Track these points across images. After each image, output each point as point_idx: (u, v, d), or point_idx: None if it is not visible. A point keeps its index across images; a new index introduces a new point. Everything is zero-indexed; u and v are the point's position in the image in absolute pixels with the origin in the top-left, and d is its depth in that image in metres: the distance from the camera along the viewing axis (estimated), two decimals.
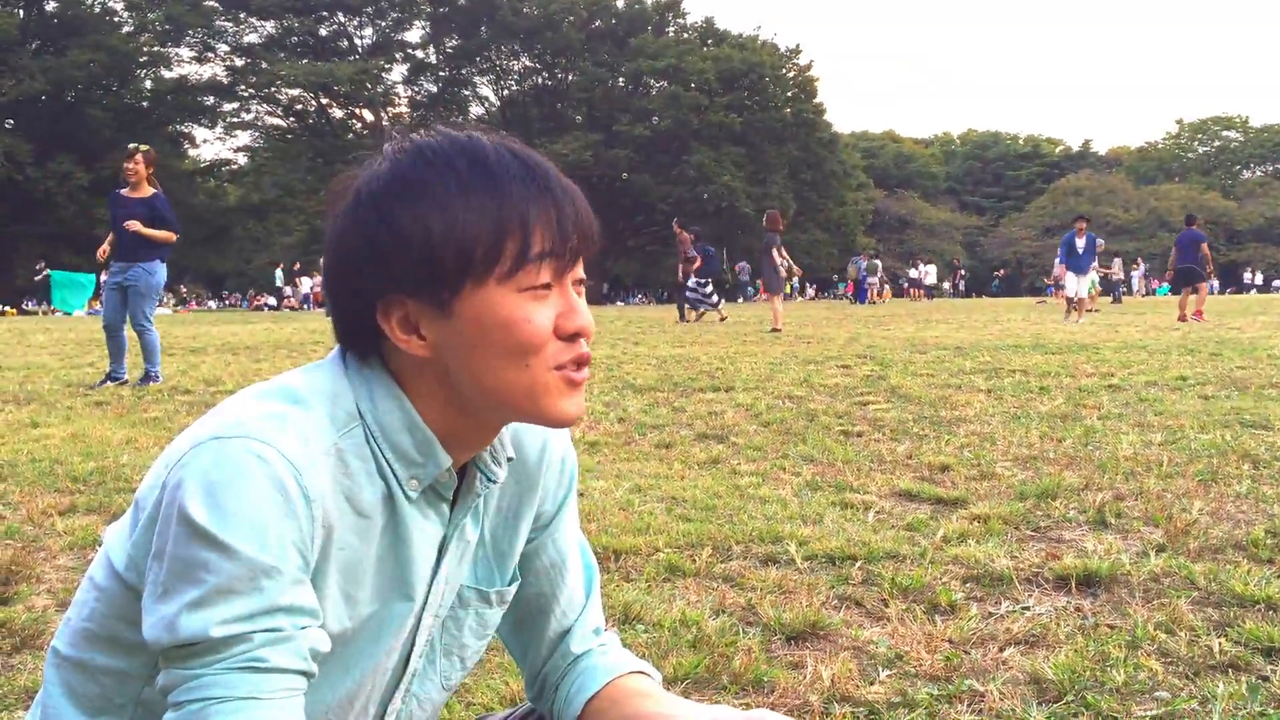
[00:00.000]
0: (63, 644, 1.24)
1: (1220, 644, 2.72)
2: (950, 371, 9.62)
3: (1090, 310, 25.29)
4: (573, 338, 1.14)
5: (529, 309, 1.11)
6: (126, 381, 9.66)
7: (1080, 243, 21.07)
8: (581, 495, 4.53)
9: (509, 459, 1.30)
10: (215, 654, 1.02)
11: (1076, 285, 20.92)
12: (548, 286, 1.13)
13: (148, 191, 9.68)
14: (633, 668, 1.39)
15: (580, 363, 1.16)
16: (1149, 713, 2.35)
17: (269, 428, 1.08)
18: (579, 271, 1.17)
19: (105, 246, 9.81)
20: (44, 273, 40.07)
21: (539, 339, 1.12)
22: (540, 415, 1.16)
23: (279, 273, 51.35)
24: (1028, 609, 3.09)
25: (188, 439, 1.10)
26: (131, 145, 9.88)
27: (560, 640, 1.42)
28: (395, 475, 1.17)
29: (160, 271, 9.79)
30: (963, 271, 64.76)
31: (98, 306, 40.26)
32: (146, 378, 9.67)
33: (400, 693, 1.29)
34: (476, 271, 1.10)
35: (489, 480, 1.27)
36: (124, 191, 9.71)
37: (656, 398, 8.13)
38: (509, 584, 1.36)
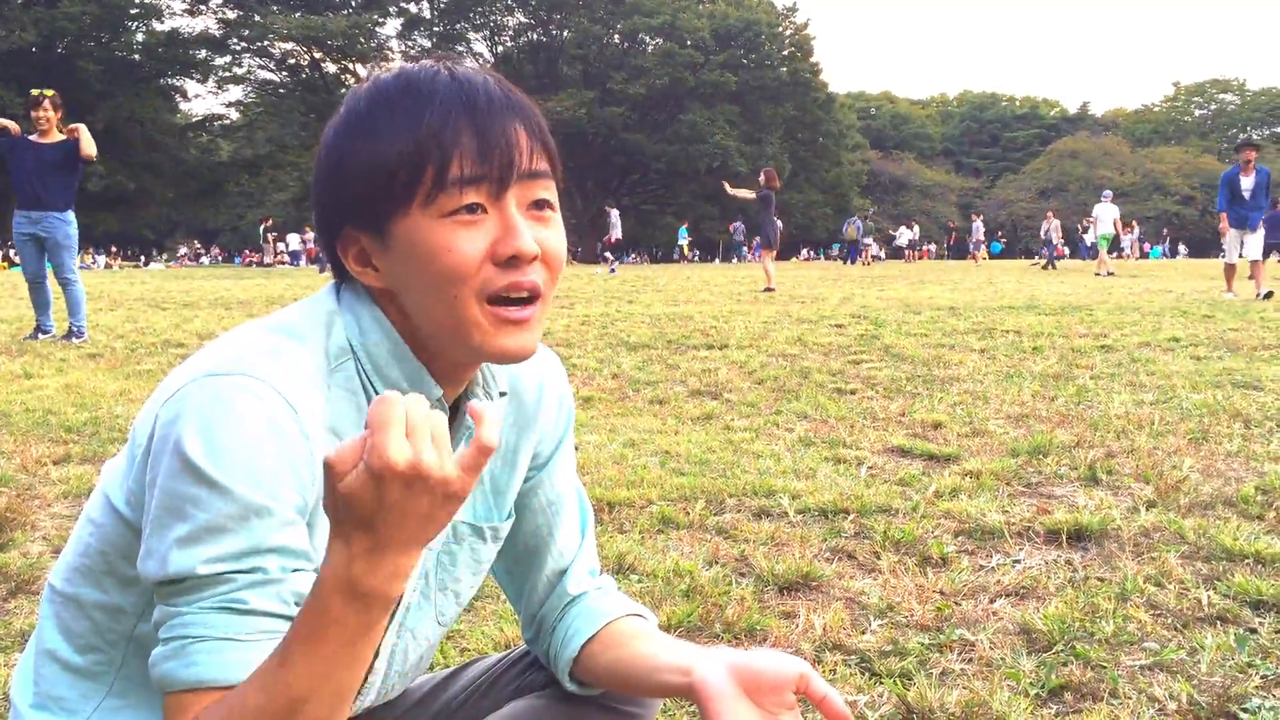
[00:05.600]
0: (58, 580, 1.24)
1: (1209, 597, 2.75)
2: (944, 331, 9.63)
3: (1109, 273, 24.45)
4: (511, 262, 1.09)
5: (452, 236, 1.08)
6: (54, 334, 9.43)
7: (1247, 182, 14.45)
8: (575, 448, 4.54)
9: (501, 394, 1.30)
10: (199, 592, 1.02)
11: (1244, 241, 14.50)
12: (477, 209, 1.09)
13: (59, 137, 9.26)
14: (629, 610, 1.39)
15: (514, 296, 1.10)
16: (1138, 662, 2.37)
17: (265, 365, 1.08)
18: (535, 193, 1.13)
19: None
20: None
21: (463, 268, 1.08)
22: (478, 352, 1.12)
23: (262, 230, 50.83)
24: (1018, 562, 3.11)
25: (184, 374, 1.09)
26: (35, 91, 9.40)
27: (557, 581, 1.42)
28: None
29: (73, 219, 9.33)
30: (978, 234, 64.50)
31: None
32: (70, 333, 9.32)
33: (394, 626, 1.30)
34: (400, 198, 1.08)
35: None
36: (32, 138, 9.27)
37: (650, 355, 8.14)
38: (503, 519, 1.37)
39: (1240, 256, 14.49)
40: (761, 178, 18.00)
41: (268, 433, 1.05)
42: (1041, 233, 35.27)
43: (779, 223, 18.41)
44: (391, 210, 1.09)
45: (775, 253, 17.99)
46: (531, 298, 1.11)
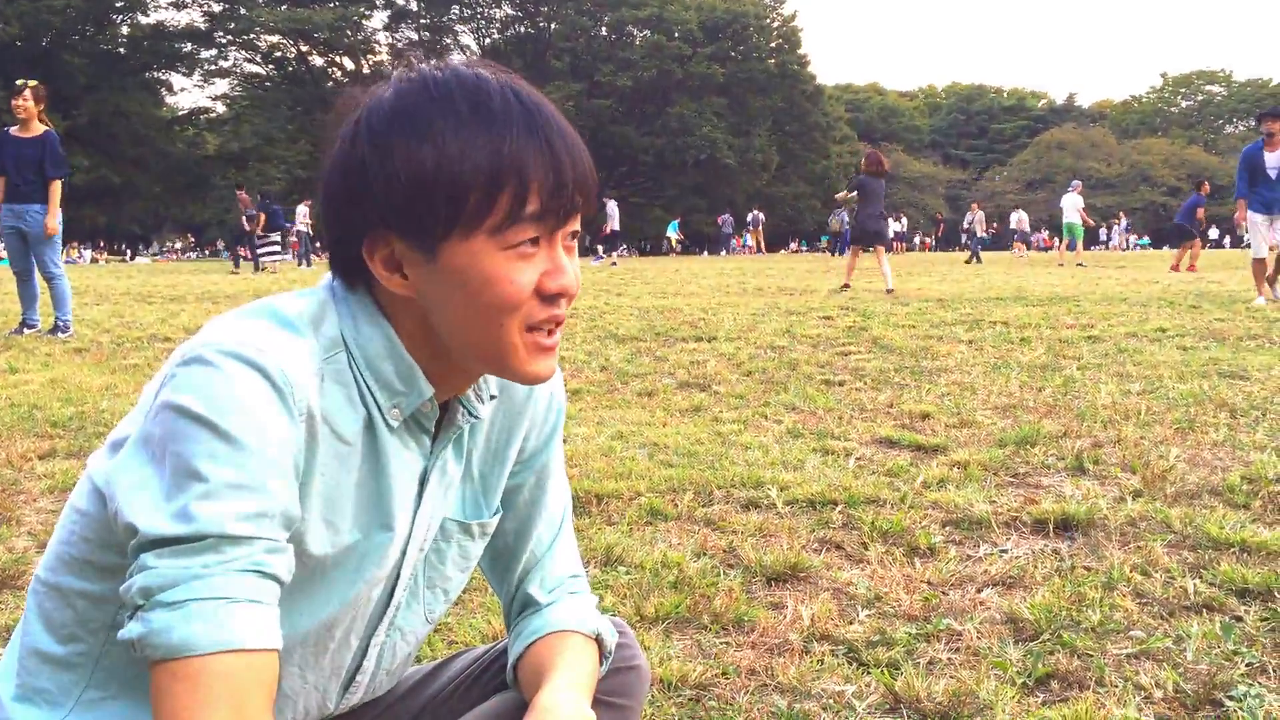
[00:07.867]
0: (44, 570, 1.23)
1: (1195, 585, 2.75)
2: (931, 323, 9.64)
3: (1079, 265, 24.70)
4: (553, 298, 1.12)
5: (512, 268, 1.09)
6: (39, 328, 9.38)
7: (1273, 159, 11.52)
8: (564, 440, 4.54)
9: (492, 397, 1.30)
10: (219, 553, 1.00)
11: (1266, 232, 11.67)
12: (535, 242, 1.10)
13: (39, 130, 9.13)
14: (560, 627, 1.36)
15: (555, 326, 1.15)
16: (1124, 651, 2.38)
17: (260, 342, 1.08)
18: (576, 224, 1.15)
19: None
20: None
21: (517, 300, 1.10)
22: (508, 373, 1.16)
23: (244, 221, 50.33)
24: (1005, 552, 3.12)
25: (177, 357, 1.09)
26: (19, 81, 9.26)
27: (523, 582, 1.42)
28: (377, 403, 1.17)
29: (58, 213, 9.20)
30: (1022, 225, 63.63)
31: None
32: (56, 328, 9.26)
33: (384, 625, 1.29)
34: (467, 221, 1.07)
35: (471, 415, 1.27)
36: (13, 130, 9.17)
37: (639, 347, 8.13)
38: (491, 516, 1.36)
39: (1271, 249, 11.75)
40: (865, 163, 15.00)
41: (270, 396, 1.06)
42: (965, 223, 34.67)
43: (885, 217, 14.98)
44: (451, 229, 1.07)
45: (881, 249, 14.87)
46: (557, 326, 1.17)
